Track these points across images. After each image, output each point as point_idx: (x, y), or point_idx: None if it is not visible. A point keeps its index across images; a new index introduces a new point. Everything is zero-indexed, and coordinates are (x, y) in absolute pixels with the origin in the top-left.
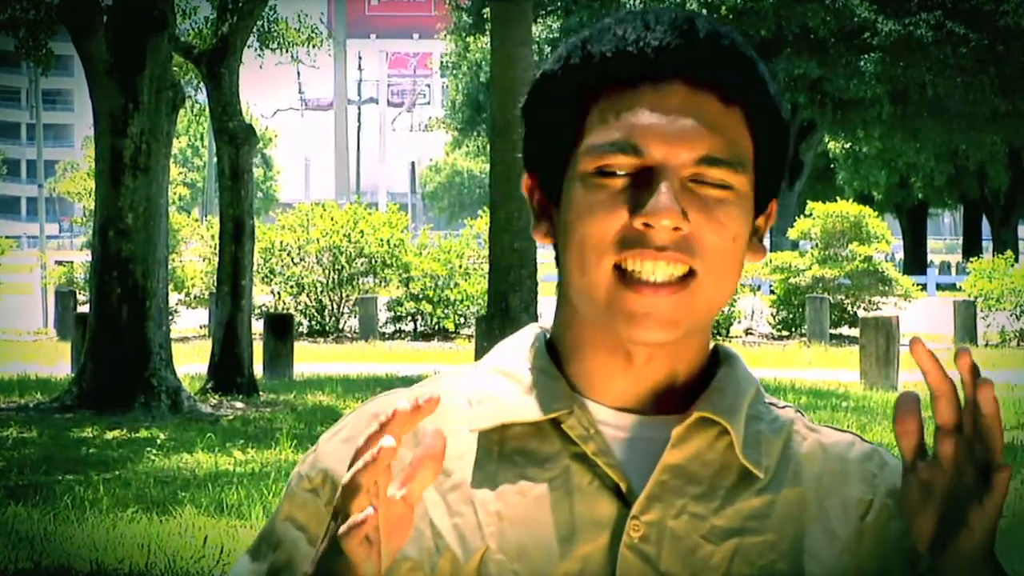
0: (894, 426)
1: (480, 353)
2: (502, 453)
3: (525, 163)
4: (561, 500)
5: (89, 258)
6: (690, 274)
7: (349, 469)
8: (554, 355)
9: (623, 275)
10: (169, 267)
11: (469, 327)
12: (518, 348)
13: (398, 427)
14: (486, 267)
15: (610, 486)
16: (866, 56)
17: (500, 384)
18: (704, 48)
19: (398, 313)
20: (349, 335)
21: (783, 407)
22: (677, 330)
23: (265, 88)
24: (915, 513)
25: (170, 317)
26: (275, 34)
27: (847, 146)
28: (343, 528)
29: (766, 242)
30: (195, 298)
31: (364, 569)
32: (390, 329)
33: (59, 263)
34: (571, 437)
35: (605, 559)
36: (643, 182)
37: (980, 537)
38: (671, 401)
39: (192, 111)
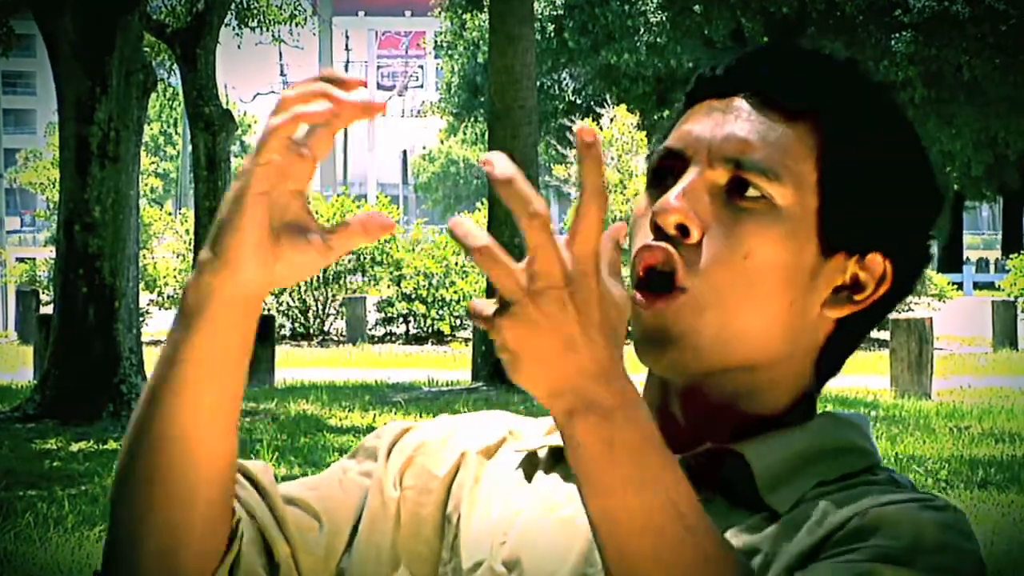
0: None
1: (478, 358)
2: (543, 468)
3: None
4: (581, 529)
5: (53, 255)
6: (679, 290)
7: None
8: None
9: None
10: (140, 264)
11: (466, 330)
12: None
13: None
14: None
15: None
16: (897, 35)
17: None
18: (771, 60)
19: (388, 314)
20: (335, 338)
21: None
22: (664, 352)
23: (244, 70)
24: None
25: (141, 319)
26: (255, 11)
27: None
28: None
29: None
30: (168, 298)
31: (258, 179)
32: (380, 331)
33: (20, 260)
34: None
35: None
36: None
37: None
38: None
39: (165, 95)
